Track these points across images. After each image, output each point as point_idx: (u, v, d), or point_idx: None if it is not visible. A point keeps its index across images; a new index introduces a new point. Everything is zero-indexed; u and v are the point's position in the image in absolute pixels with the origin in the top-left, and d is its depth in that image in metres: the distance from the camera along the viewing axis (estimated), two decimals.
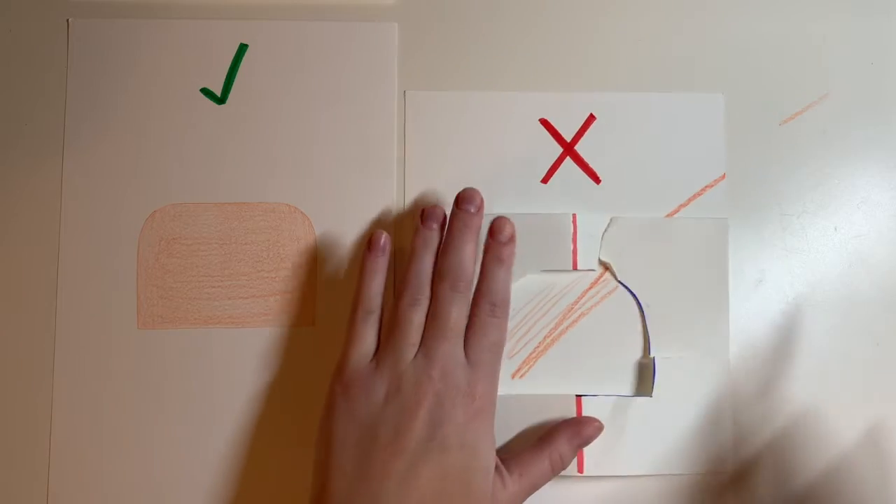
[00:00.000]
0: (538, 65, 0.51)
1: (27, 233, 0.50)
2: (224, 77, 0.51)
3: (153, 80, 0.51)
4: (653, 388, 0.49)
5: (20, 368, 0.49)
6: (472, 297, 0.46)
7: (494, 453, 0.44)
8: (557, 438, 0.46)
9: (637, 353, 0.49)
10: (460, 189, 0.47)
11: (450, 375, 0.43)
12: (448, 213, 0.47)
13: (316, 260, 0.50)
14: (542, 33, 0.51)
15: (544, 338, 0.50)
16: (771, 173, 0.50)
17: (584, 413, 0.48)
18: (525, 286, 0.50)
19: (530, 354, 0.50)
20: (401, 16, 0.52)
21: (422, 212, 0.48)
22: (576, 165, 0.51)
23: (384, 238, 0.48)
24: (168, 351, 0.50)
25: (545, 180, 0.50)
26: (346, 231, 0.50)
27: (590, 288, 0.50)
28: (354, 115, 0.51)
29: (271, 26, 0.52)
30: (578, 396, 0.48)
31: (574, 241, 0.49)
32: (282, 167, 0.51)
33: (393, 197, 0.50)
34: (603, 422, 0.48)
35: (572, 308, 0.50)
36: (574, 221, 0.50)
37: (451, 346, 0.44)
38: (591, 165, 0.51)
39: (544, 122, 0.51)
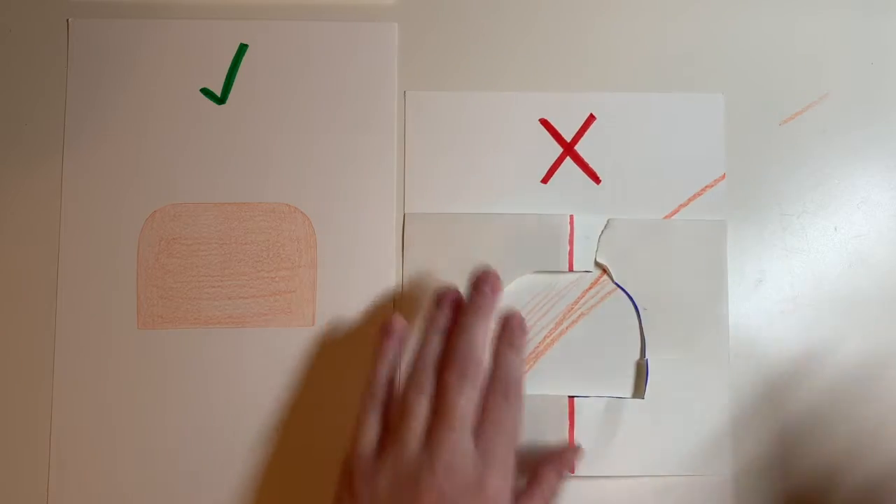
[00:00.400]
0: (538, 65, 0.51)
1: (27, 232, 0.50)
2: (224, 77, 0.51)
3: (153, 80, 0.51)
4: (645, 390, 0.49)
5: (20, 368, 0.49)
6: (481, 384, 0.43)
7: None
8: (546, 476, 0.44)
9: (634, 356, 0.49)
10: (460, 188, 0.47)
11: (455, 470, 0.40)
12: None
13: (316, 260, 0.50)
14: (542, 33, 0.51)
15: (544, 338, 0.50)
16: (771, 173, 0.50)
17: (577, 414, 0.48)
18: (524, 287, 0.50)
19: (530, 355, 0.50)
20: (401, 16, 0.52)
21: (436, 293, 0.46)
22: (576, 165, 0.51)
23: (398, 323, 0.46)
24: (168, 351, 0.50)
25: (545, 180, 0.50)
26: (346, 231, 0.50)
27: (589, 289, 0.50)
28: (354, 115, 0.51)
29: (271, 26, 0.52)
30: (571, 398, 0.48)
31: (571, 242, 0.49)
32: (282, 167, 0.51)
33: (393, 197, 0.50)
34: (595, 423, 0.48)
35: (571, 309, 0.50)
36: (571, 223, 0.50)
37: (457, 437, 0.41)
38: (591, 165, 0.51)
39: (544, 122, 0.51)
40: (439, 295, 0.46)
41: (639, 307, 0.49)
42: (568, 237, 0.50)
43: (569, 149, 0.51)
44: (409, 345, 0.48)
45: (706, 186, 0.50)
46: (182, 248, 0.50)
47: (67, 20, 0.51)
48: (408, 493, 0.40)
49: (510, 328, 0.45)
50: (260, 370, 0.50)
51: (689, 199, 0.50)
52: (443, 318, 0.45)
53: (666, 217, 0.50)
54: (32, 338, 0.49)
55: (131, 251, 0.50)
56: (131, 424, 0.49)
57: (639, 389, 0.49)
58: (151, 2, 0.52)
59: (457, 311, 0.45)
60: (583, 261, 0.50)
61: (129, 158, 0.51)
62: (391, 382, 0.46)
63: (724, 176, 0.50)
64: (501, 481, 0.41)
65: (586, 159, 0.51)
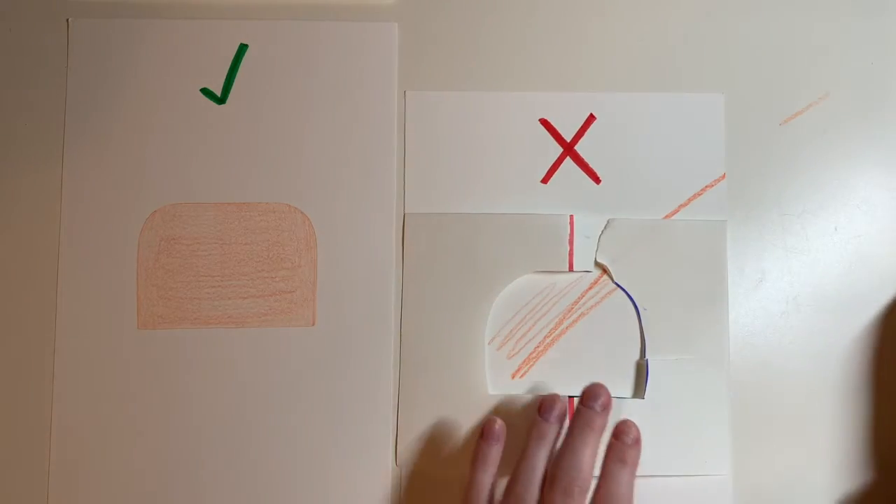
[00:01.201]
0: (538, 65, 0.51)
1: (27, 232, 0.50)
2: (224, 77, 0.51)
3: (153, 80, 0.51)
4: (645, 390, 0.49)
5: (21, 368, 0.49)
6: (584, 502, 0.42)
7: None
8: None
9: (634, 356, 0.49)
10: (460, 188, 0.47)
11: None
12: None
13: (316, 260, 0.50)
14: (543, 33, 0.51)
15: (544, 338, 0.50)
16: (771, 173, 0.50)
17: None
18: (524, 286, 0.50)
19: (530, 354, 0.50)
20: (401, 16, 0.52)
21: (540, 402, 0.46)
22: (576, 165, 0.51)
23: (499, 426, 0.46)
24: (168, 351, 0.50)
25: (545, 180, 0.50)
26: (346, 231, 0.50)
27: (589, 289, 0.50)
28: (354, 115, 0.51)
29: (271, 26, 0.51)
30: (571, 398, 0.48)
31: (571, 242, 0.49)
32: (282, 167, 0.51)
33: (393, 197, 0.50)
34: None
35: (572, 309, 0.50)
36: (571, 223, 0.50)
37: None
38: (591, 165, 0.51)
39: (544, 122, 0.51)
40: (545, 405, 0.46)
41: (639, 307, 0.49)
42: (568, 237, 0.50)
43: (569, 149, 0.51)
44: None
45: (706, 186, 0.50)
46: (182, 248, 0.50)
47: (67, 20, 0.51)
48: None
49: (622, 443, 0.44)
50: (260, 370, 0.50)
51: (689, 199, 0.50)
52: (550, 431, 0.45)
53: (666, 217, 0.50)
54: (32, 337, 0.49)
55: (131, 251, 0.50)
56: (131, 424, 0.49)
57: (639, 389, 0.49)
58: (152, 2, 0.52)
59: (561, 422, 0.45)
60: (583, 261, 0.50)
61: (130, 158, 0.51)
62: (491, 486, 0.45)
63: (724, 176, 0.50)
64: None
65: (586, 159, 0.51)
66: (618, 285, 0.49)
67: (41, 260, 0.50)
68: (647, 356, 0.49)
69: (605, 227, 0.50)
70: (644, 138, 0.51)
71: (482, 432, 0.46)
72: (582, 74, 0.51)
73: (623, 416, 0.47)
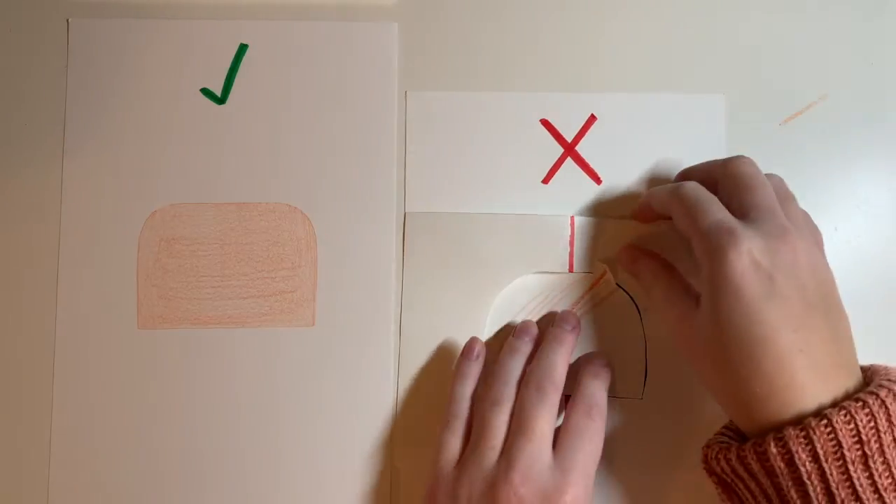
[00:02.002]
0: (539, 65, 0.51)
1: (27, 232, 0.50)
2: (224, 77, 0.51)
3: (153, 80, 0.51)
4: (643, 390, 0.49)
5: (20, 368, 0.49)
6: (558, 401, 0.44)
7: None
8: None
9: (635, 356, 0.49)
10: (460, 192, 0.48)
11: (533, 479, 0.41)
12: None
13: (316, 260, 0.50)
14: (544, 33, 0.51)
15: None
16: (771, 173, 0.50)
17: None
18: (524, 287, 0.50)
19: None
20: (401, 16, 0.52)
21: (516, 327, 0.48)
22: (577, 166, 0.50)
23: (479, 345, 0.48)
24: (168, 351, 0.50)
25: (546, 180, 0.50)
26: (347, 231, 0.50)
27: (590, 289, 0.50)
28: (354, 115, 0.51)
29: (271, 26, 0.51)
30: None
31: (571, 243, 0.49)
32: (282, 167, 0.51)
33: (393, 197, 0.50)
34: None
35: (573, 309, 0.50)
36: (572, 223, 0.50)
37: (534, 449, 0.41)
38: (592, 166, 0.50)
39: (545, 123, 0.51)
40: (519, 328, 0.48)
41: (640, 308, 0.49)
42: (568, 238, 0.50)
43: (570, 149, 0.51)
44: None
45: None
46: (182, 248, 0.50)
47: (67, 19, 0.51)
48: (487, 502, 0.41)
49: (597, 362, 0.47)
50: (259, 370, 0.50)
51: None
52: (524, 346, 0.47)
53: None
54: (32, 337, 0.49)
55: (131, 251, 0.50)
56: (131, 424, 0.49)
57: (636, 390, 0.49)
58: (152, 1, 0.52)
59: (535, 343, 0.47)
60: (583, 261, 0.50)
61: (129, 158, 0.51)
62: (468, 400, 0.46)
63: None
64: (580, 491, 0.41)
65: (587, 160, 0.51)
66: (619, 286, 0.49)
67: (41, 259, 0.50)
68: (648, 357, 0.49)
69: (605, 228, 0.50)
70: (645, 139, 0.51)
71: (462, 351, 0.48)
72: (583, 75, 0.51)
73: (619, 413, 0.49)
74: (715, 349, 0.39)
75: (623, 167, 0.50)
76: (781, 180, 0.44)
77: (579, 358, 0.48)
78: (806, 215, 0.43)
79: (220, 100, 0.51)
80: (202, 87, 0.51)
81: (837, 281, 0.42)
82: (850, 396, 0.37)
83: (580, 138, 0.51)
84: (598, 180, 0.50)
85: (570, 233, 0.50)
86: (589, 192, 0.50)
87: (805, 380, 0.37)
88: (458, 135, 0.51)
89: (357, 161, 0.51)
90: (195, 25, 0.52)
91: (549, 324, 0.48)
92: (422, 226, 0.50)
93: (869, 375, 0.39)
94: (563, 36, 0.51)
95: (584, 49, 0.51)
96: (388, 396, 0.49)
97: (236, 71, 0.51)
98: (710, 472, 0.41)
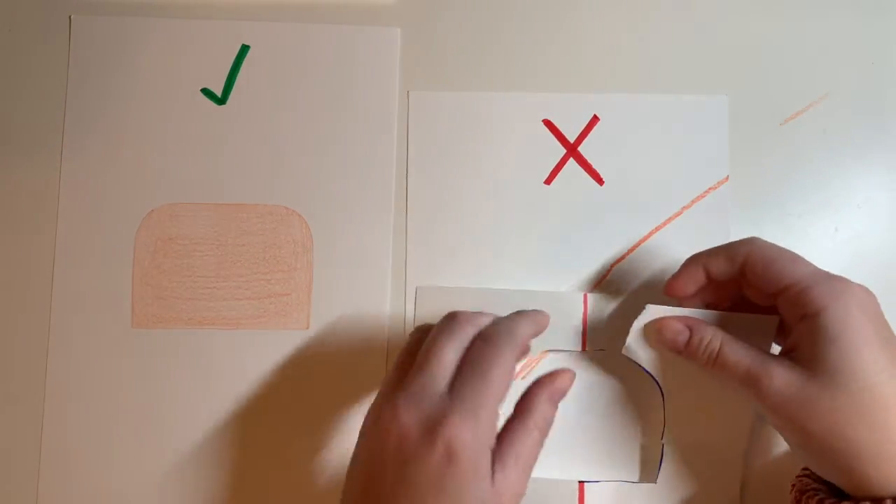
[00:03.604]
0: (542, 65, 0.52)
1: (24, 229, 0.50)
2: (225, 78, 0.51)
3: (154, 78, 0.51)
4: (657, 474, 0.48)
5: (14, 365, 0.49)
6: (471, 337, 0.40)
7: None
8: (536, 402, 0.40)
9: (652, 440, 0.48)
10: (462, 191, 0.48)
11: (417, 406, 0.37)
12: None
13: (312, 263, 0.50)
14: (546, 34, 0.52)
15: None
16: (771, 174, 0.50)
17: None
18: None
19: (531, 357, 0.49)
20: (404, 16, 0.52)
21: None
22: (579, 166, 0.51)
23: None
24: (162, 350, 0.49)
25: (548, 181, 0.51)
26: (343, 235, 0.50)
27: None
28: (354, 119, 0.51)
29: (273, 28, 0.52)
30: (581, 483, 0.48)
31: (584, 321, 0.49)
32: (280, 169, 0.51)
33: (391, 200, 0.50)
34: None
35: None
36: (585, 301, 0.49)
37: (429, 373, 0.38)
38: (595, 167, 0.51)
39: (547, 123, 0.51)
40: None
41: (664, 391, 0.47)
42: (581, 316, 0.49)
43: (572, 150, 0.51)
44: None
45: (710, 188, 0.50)
46: (178, 248, 0.50)
47: (70, 17, 0.51)
48: (373, 430, 0.38)
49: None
50: (253, 372, 0.49)
51: (693, 202, 0.50)
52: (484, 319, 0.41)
53: (669, 219, 0.50)
54: (26, 334, 0.49)
55: (127, 250, 0.50)
56: (124, 423, 0.49)
57: (651, 474, 0.48)
58: (155, 0, 0.52)
59: None
60: (596, 339, 0.49)
61: (128, 157, 0.51)
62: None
63: (727, 178, 0.50)
64: (464, 420, 0.36)
65: (589, 160, 0.51)
66: (642, 367, 0.46)
67: (37, 257, 0.49)
68: (665, 441, 0.48)
69: (617, 306, 0.49)
70: (647, 140, 0.51)
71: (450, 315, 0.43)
72: (585, 75, 0.51)
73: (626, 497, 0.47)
74: (837, 422, 0.38)
75: (625, 168, 0.51)
76: None
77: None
78: None
79: (221, 100, 0.51)
80: (203, 87, 0.51)
81: None
82: None
83: (582, 139, 0.51)
84: (600, 181, 0.51)
85: (583, 310, 0.49)
86: (591, 192, 0.50)
87: None
88: (461, 135, 0.51)
89: (355, 165, 0.51)
90: (198, 25, 0.52)
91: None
92: (424, 228, 0.50)
93: None
94: (566, 36, 0.52)
95: (587, 50, 0.52)
96: None
97: (237, 72, 0.51)
98: None
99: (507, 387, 0.38)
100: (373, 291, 0.50)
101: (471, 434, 0.36)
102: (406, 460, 0.36)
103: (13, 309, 0.49)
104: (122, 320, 0.49)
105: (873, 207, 0.50)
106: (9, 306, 0.49)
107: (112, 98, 0.51)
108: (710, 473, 0.47)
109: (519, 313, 0.42)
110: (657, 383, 0.46)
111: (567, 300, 0.49)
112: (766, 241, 0.42)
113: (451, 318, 0.40)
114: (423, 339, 0.41)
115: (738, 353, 0.41)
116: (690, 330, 0.43)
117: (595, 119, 0.51)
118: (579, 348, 0.49)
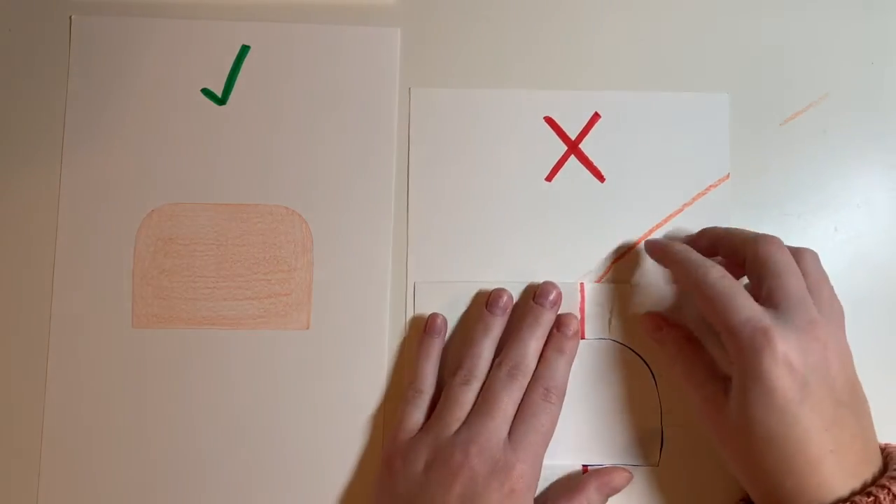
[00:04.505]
0: (543, 63, 0.52)
1: (24, 230, 0.50)
2: (225, 78, 0.51)
3: (154, 78, 0.51)
4: (660, 458, 0.48)
5: (14, 365, 0.49)
6: (526, 386, 0.46)
7: None
8: (587, 488, 0.46)
9: (651, 422, 0.49)
10: (463, 189, 0.48)
11: (487, 453, 0.43)
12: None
13: (312, 263, 0.50)
14: (548, 31, 0.52)
15: None
16: (771, 173, 0.51)
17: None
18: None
19: None
20: (404, 16, 0.52)
21: (488, 296, 0.48)
22: (580, 164, 0.51)
23: (440, 321, 0.49)
24: (162, 350, 0.49)
25: (549, 178, 0.51)
26: (343, 235, 0.50)
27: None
28: (354, 119, 0.51)
29: (274, 28, 0.52)
30: (585, 467, 0.48)
31: (581, 310, 0.49)
32: (280, 170, 0.51)
33: (391, 201, 0.50)
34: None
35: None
36: (581, 290, 0.50)
37: (494, 426, 0.44)
38: (596, 164, 0.51)
39: (549, 121, 0.51)
40: (492, 299, 0.48)
41: (654, 374, 0.49)
42: (578, 304, 0.49)
43: (573, 147, 0.51)
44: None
45: (710, 186, 0.50)
46: (179, 248, 0.50)
47: (70, 17, 0.51)
48: (442, 470, 0.43)
49: (563, 333, 0.47)
50: (253, 372, 0.49)
51: (693, 199, 0.50)
52: (496, 324, 0.48)
53: (669, 216, 0.50)
54: (27, 334, 0.49)
55: (128, 250, 0.50)
56: (124, 422, 0.48)
57: (653, 457, 0.49)
58: (155, 0, 0.52)
59: (506, 315, 0.48)
60: (594, 328, 0.49)
61: (129, 157, 0.50)
62: (432, 376, 0.48)
63: (728, 176, 0.50)
64: (527, 467, 0.43)
65: (591, 158, 0.51)
66: (633, 351, 0.49)
67: (37, 257, 0.49)
68: (664, 423, 0.49)
69: (614, 294, 0.50)
70: (649, 137, 0.51)
71: (426, 326, 0.48)
72: (587, 73, 0.52)
73: (634, 482, 0.48)
74: (745, 442, 0.40)
75: (627, 165, 0.51)
76: (815, 258, 0.44)
77: (552, 330, 0.48)
78: (832, 295, 0.43)
79: (221, 100, 0.51)
80: (203, 87, 0.51)
81: (838, 281, 0.43)
82: (866, 486, 0.39)
83: (584, 136, 0.51)
84: (601, 178, 0.51)
85: (580, 299, 0.49)
86: (592, 190, 0.51)
87: (834, 479, 0.39)
88: (462, 132, 0.51)
89: (355, 166, 0.51)
90: (198, 25, 0.52)
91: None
92: (424, 228, 0.50)
93: (885, 457, 0.42)
94: (568, 34, 0.52)
95: (589, 47, 0.52)
96: (380, 401, 0.49)
97: (238, 72, 0.51)
98: None
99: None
100: (373, 291, 0.50)
101: (530, 476, 0.44)
102: (473, 496, 0.42)
103: (13, 309, 0.49)
104: (122, 320, 0.49)
105: (873, 207, 0.50)
106: (9, 306, 0.49)
107: (112, 98, 0.51)
108: (712, 458, 0.48)
109: (559, 349, 0.47)
110: (648, 367, 0.49)
111: (564, 290, 0.49)
112: (717, 278, 0.43)
113: (507, 368, 0.46)
114: (436, 345, 0.48)
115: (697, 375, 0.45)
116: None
117: (596, 116, 0.51)
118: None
